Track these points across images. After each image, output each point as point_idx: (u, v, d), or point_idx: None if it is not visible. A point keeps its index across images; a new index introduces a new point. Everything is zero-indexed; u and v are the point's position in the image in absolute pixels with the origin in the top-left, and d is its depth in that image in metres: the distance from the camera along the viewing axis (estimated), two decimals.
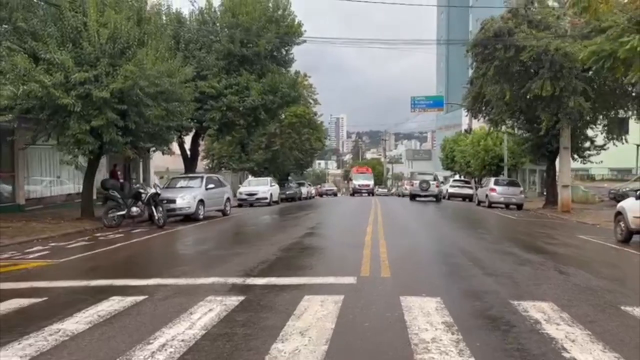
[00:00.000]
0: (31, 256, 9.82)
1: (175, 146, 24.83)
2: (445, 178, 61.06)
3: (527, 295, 6.13)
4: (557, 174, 25.67)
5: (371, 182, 55.44)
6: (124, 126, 14.89)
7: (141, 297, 6.03)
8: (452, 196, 39.50)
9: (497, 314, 5.30)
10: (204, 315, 5.21)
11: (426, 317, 5.08)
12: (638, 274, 8.16)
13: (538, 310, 5.38)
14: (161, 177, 32.09)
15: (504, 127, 28.95)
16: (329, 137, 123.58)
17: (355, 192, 53.03)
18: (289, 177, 48.12)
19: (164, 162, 32.81)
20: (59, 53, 13.82)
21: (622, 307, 5.66)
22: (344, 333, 4.60)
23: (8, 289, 6.77)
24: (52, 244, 11.56)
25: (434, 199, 31.33)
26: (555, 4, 23.86)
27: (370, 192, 52.73)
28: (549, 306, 5.56)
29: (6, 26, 14.91)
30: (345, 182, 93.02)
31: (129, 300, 5.90)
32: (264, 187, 29.59)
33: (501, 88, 22.43)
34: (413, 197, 32.51)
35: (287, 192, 36.15)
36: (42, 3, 15.36)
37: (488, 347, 4.28)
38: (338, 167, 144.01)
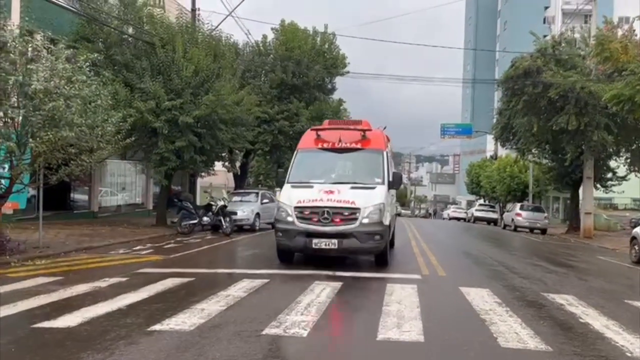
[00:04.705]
0: (143, 252, 12.09)
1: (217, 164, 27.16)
2: (470, 202, 62.72)
3: (553, 290, 8.17)
4: (580, 201, 27.31)
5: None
6: (200, 147, 17.29)
7: (265, 280, 8.18)
8: (477, 219, 41.30)
9: (532, 299, 7.37)
10: (322, 291, 7.33)
11: (482, 298, 7.15)
12: None
13: (562, 299, 7.42)
14: (205, 191, 34.52)
15: (530, 156, 30.73)
16: None
17: None
18: None
19: (208, 177, 35.30)
20: (151, 83, 16.32)
21: (626, 300, 7.67)
22: (427, 304, 6.69)
23: (156, 272, 8.98)
24: (149, 245, 13.81)
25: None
26: (582, 45, 25.79)
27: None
28: (570, 297, 7.59)
29: (100, 57, 17.53)
30: None
31: (258, 282, 8.04)
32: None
33: (529, 120, 24.36)
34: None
35: None
36: (134, 39, 17.97)
37: (527, 314, 6.34)
38: None
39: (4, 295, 6.68)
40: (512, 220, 29.33)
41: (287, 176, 10.46)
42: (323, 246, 9.15)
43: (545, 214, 29.93)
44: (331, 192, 9.47)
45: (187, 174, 27.28)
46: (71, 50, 11.77)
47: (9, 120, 10.11)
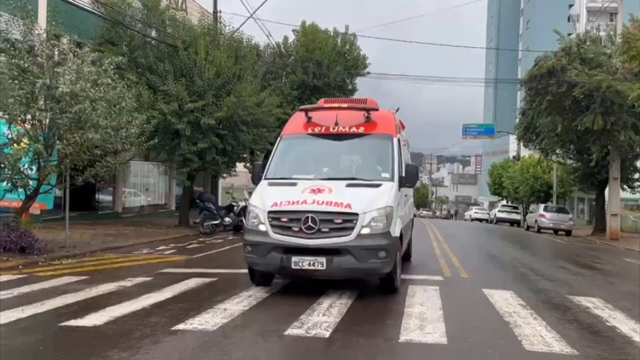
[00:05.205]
0: (166, 252, 12.24)
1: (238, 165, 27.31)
2: (492, 203, 62.03)
3: (579, 293, 8.04)
4: (606, 203, 26.82)
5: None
6: (222, 148, 17.43)
7: (287, 281, 8.17)
8: (500, 221, 40.86)
9: (557, 302, 7.26)
10: (343, 292, 7.30)
11: (505, 301, 7.07)
12: None
13: (588, 302, 7.29)
14: (227, 192, 34.80)
15: (554, 157, 30.28)
16: None
17: None
18: None
19: (230, 178, 35.60)
20: (173, 85, 16.51)
21: None
22: (450, 305, 6.64)
23: (179, 272, 9.09)
24: (172, 245, 13.97)
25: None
26: (608, 43, 25.31)
27: None
28: (596, 300, 7.46)
29: (124, 60, 17.81)
30: None
31: (279, 282, 8.05)
32: None
33: (553, 120, 23.98)
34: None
35: None
36: (157, 42, 18.20)
37: (553, 317, 6.25)
38: None
39: (32, 293, 6.83)
40: (536, 221, 28.90)
41: (265, 171, 8.07)
42: (306, 266, 6.65)
43: (570, 215, 29.44)
44: (320, 190, 7.03)
45: (209, 175, 27.51)
46: (96, 53, 12.01)
47: (36, 122, 10.36)
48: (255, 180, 8.16)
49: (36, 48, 10.52)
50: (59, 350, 4.70)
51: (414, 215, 13.19)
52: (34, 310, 5.88)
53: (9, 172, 9.96)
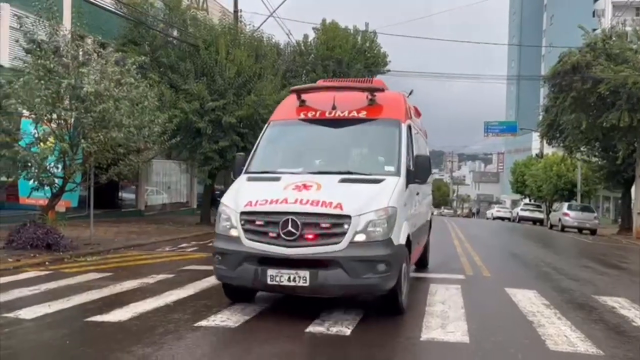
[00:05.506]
0: (188, 250, 12.36)
1: None
2: (515, 202, 61.28)
3: (605, 293, 7.89)
4: (632, 201, 26.28)
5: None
6: (243, 147, 17.52)
7: None
8: (522, 219, 40.33)
9: (582, 302, 7.15)
10: None
11: (528, 300, 6.98)
12: None
13: (614, 302, 7.16)
14: None
15: (578, 154, 29.78)
16: None
17: None
18: None
19: None
20: (195, 84, 16.66)
21: None
22: (472, 304, 6.58)
23: (201, 269, 9.16)
24: (193, 242, 14.10)
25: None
26: (634, 38, 24.76)
27: None
28: (622, 300, 7.32)
29: (146, 60, 18.04)
30: None
31: None
32: None
33: (577, 117, 23.55)
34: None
35: None
36: (179, 42, 18.38)
37: (578, 317, 6.15)
38: None
39: (59, 289, 6.97)
40: (559, 220, 28.46)
41: (247, 163, 6.82)
42: (285, 282, 5.37)
43: (595, 214, 28.91)
44: (306, 187, 5.77)
45: (230, 173, 27.86)
46: (120, 53, 12.18)
47: (62, 121, 10.54)
48: (236, 174, 6.79)
49: (61, 49, 10.71)
50: (85, 345, 4.79)
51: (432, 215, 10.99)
52: (61, 306, 6.00)
53: (36, 170, 10.16)
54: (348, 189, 5.85)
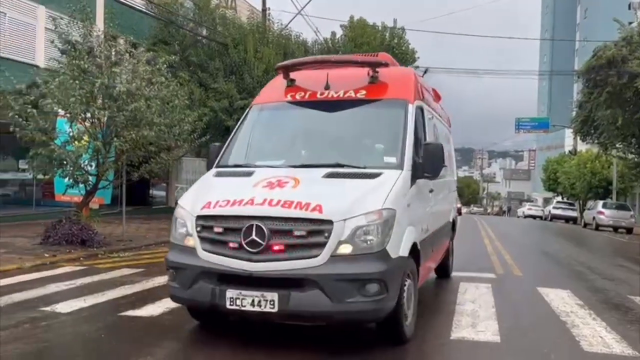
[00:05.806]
0: None
1: None
2: (546, 199, 60.04)
3: None
4: None
5: None
6: None
7: None
8: (555, 218, 39.49)
9: (617, 302, 6.97)
10: None
11: (561, 300, 6.84)
12: None
13: None
14: None
15: (614, 151, 29.00)
16: None
17: None
18: None
19: None
20: (224, 83, 16.83)
21: None
22: (503, 304, 6.48)
23: None
24: None
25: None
26: None
27: None
28: None
29: (176, 59, 18.30)
30: None
31: None
32: None
33: (613, 113, 22.96)
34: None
35: None
36: (208, 40, 18.61)
37: (613, 318, 6.00)
38: None
39: (93, 284, 7.15)
40: (594, 218, 27.78)
41: (220, 154, 5.64)
42: (247, 306, 4.19)
43: (632, 212, 28.11)
44: (280, 184, 4.59)
45: None
46: (150, 53, 12.38)
47: (96, 120, 10.78)
48: (209, 168, 5.63)
49: (95, 49, 10.95)
50: (120, 339, 4.89)
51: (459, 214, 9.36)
52: (95, 300, 6.15)
53: (71, 168, 10.42)
54: (332, 186, 4.65)
